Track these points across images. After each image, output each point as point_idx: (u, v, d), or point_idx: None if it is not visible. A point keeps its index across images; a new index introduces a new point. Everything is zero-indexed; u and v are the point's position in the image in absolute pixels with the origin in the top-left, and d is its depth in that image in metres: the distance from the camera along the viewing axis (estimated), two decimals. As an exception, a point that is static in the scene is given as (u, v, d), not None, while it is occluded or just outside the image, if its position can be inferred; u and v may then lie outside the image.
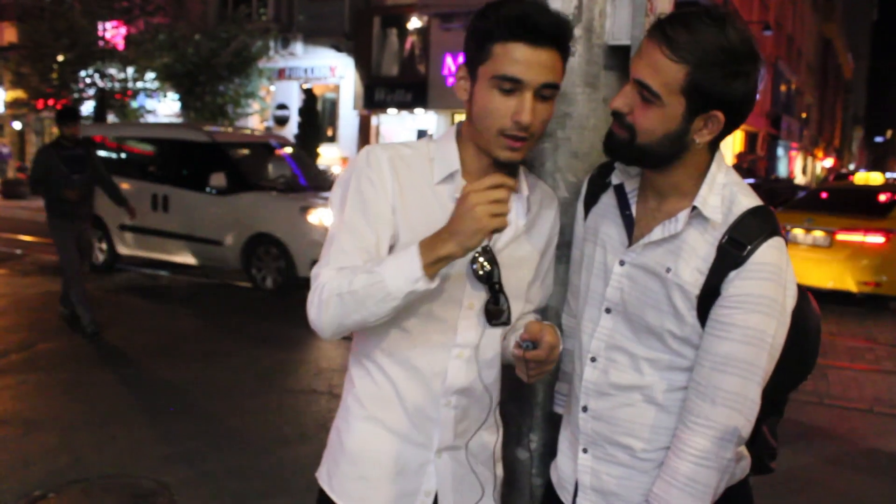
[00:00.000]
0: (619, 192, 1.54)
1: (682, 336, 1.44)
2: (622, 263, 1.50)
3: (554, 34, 1.41)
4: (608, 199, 1.58)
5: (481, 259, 1.46)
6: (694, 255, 1.41)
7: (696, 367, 1.42)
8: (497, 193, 1.33)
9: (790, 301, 1.43)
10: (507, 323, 1.52)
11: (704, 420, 1.39)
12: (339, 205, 1.52)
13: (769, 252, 1.37)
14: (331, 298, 1.41)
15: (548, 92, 1.44)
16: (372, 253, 1.47)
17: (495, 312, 1.50)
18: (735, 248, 1.37)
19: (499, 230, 1.36)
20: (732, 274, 1.37)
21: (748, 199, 1.42)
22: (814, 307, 1.54)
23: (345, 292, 1.40)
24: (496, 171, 1.49)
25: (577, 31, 1.72)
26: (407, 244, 1.44)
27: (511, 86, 1.41)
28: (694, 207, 1.41)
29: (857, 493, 4.24)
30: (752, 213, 1.40)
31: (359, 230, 1.47)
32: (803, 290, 1.51)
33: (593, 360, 1.53)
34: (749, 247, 1.37)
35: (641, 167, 1.49)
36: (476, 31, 1.44)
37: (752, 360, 1.37)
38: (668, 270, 1.43)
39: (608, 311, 1.52)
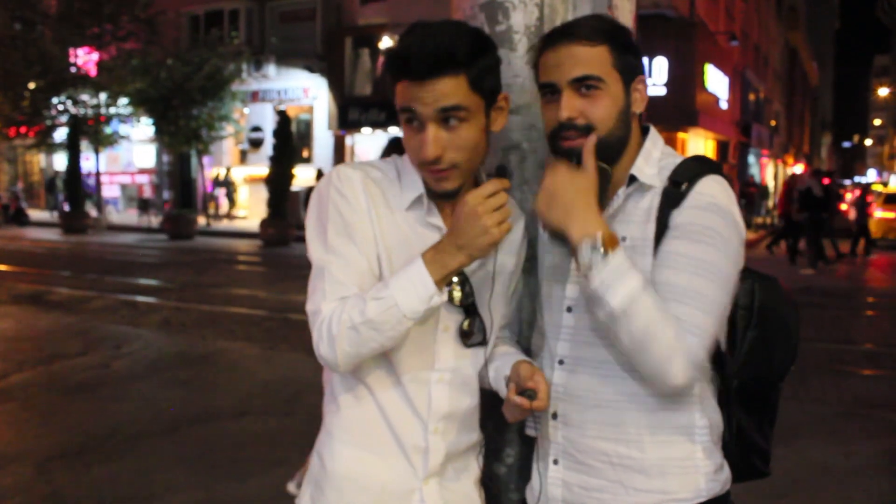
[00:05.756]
0: None
1: None
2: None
3: (436, 65, 1.33)
4: None
5: (454, 281, 1.45)
6: (638, 213, 1.45)
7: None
8: (498, 200, 1.34)
9: (736, 237, 1.40)
10: (483, 343, 1.51)
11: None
12: (318, 232, 1.46)
13: (709, 183, 1.42)
14: (342, 332, 1.37)
15: (453, 114, 1.37)
16: (366, 278, 1.43)
17: (470, 333, 1.50)
18: (675, 186, 1.42)
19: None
20: (675, 212, 1.41)
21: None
22: (785, 295, 1.55)
23: (358, 323, 1.36)
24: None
25: (540, 45, 1.73)
26: (385, 269, 1.44)
27: (410, 118, 1.40)
28: (631, 177, 1.45)
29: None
30: (692, 159, 1.47)
31: (348, 256, 1.42)
32: (774, 280, 1.54)
33: (561, 362, 1.52)
34: (687, 183, 1.41)
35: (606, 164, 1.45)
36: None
37: (700, 289, 1.34)
38: (624, 239, 1.43)
39: (569, 309, 1.51)
